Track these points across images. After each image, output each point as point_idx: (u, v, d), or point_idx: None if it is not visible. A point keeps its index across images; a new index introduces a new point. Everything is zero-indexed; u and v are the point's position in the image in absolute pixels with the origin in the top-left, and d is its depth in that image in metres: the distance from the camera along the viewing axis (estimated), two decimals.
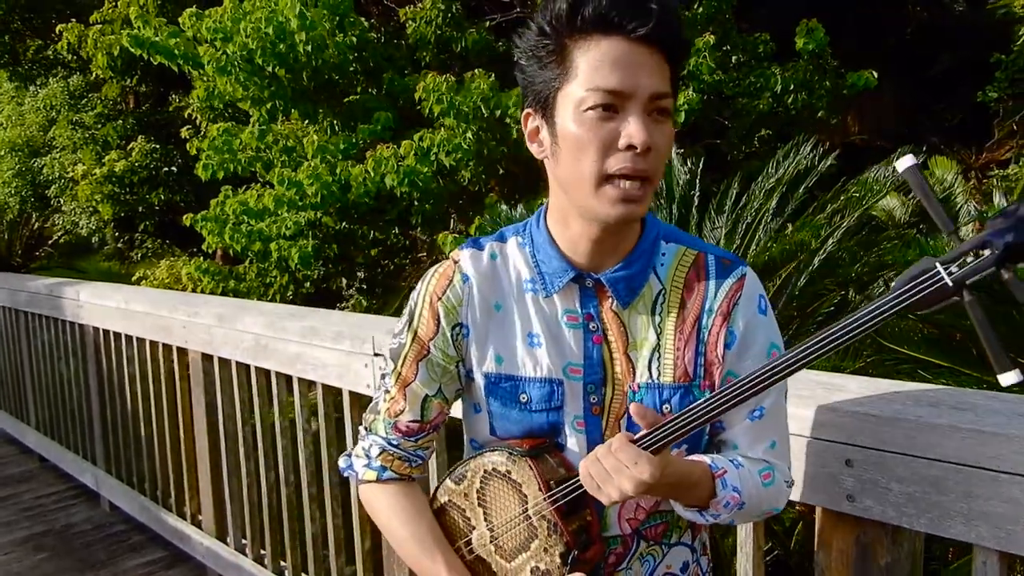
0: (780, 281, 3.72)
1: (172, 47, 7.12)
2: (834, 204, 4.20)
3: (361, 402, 2.46)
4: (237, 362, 3.00)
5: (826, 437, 1.36)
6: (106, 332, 3.99)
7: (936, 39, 10.91)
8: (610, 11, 0.98)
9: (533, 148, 1.11)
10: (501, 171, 6.91)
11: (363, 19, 7.54)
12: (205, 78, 7.53)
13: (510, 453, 1.11)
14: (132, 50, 7.23)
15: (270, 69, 6.84)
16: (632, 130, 0.99)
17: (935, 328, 3.17)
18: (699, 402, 0.99)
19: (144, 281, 10.75)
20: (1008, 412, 1.25)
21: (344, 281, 8.42)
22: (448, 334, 1.16)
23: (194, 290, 8.11)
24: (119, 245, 15.75)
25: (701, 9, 7.50)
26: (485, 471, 1.14)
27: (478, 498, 1.16)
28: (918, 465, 1.26)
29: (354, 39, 7.02)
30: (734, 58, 7.82)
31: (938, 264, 0.87)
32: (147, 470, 3.82)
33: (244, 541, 3.15)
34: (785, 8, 9.21)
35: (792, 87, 7.21)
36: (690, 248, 1.16)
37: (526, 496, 1.10)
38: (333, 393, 2.58)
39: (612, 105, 0.99)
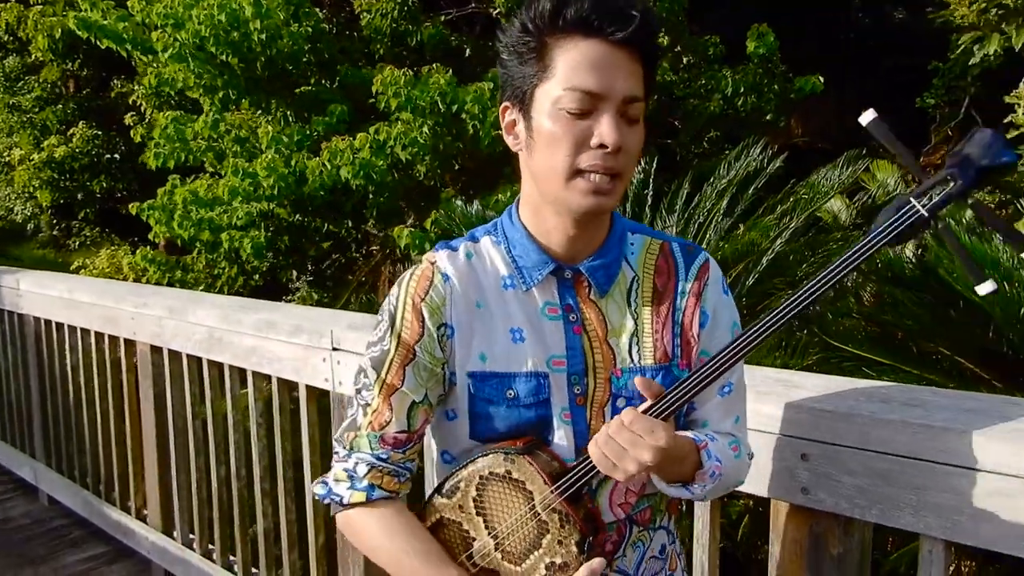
0: (731, 280, 3.81)
1: (121, 31, 6.93)
2: (784, 205, 4.31)
3: (318, 396, 2.45)
4: (188, 355, 2.95)
5: (783, 432, 1.41)
6: (48, 322, 3.88)
7: (878, 46, 11.23)
8: (591, 14, 1.01)
9: (509, 140, 1.14)
10: (457, 166, 6.91)
11: (317, 9, 7.45)
12: (156, 65, 7.35)
13: (505, 454, 1.11)
14: (79, 33, 7.01)
15: (223, 57, 6.71)
16: (604, 130, 1.02)
17: (878, 327, 3.29)
18: (700, 367, 1.04)
19: (83, 270, 10.45)
20: (955, 408, 1.31)
21: (295, 274, 8.31)
22: (434, 335, 1.15)
23: (136, 280, 7.93)
24: (55, 233, 15.27)
25: (655, 9, 7.60)
26: (481, 477, 1.12)
27: (475, 507, 1.13)
28: (870, 459, 1.31)
29: (309, 29, 6.94)
30: (685, 60, 7.93)
31: (912, 199, 0.98)
32: (90, 464, 3.72)
33: (192, 536, 3.10)
34: (733, 13, 9.39)
35: (742, 90, 7.36)
36: (655, 238, 1.22)
37: (531, 493, 1.10)
38: (289, 387, 2.56)
39: (587, 105, 1.03)
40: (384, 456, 1.17)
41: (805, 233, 4.41)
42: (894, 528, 1.34)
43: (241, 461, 2.83)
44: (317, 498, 1.21)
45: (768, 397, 1.43)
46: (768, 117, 7.75)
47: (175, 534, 3.18)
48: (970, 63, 6.24)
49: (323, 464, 2.51)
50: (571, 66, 1.02)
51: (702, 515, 1.61)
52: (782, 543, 1.46)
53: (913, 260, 3.41)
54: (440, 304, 1.15)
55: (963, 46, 5.16)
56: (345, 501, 1.17)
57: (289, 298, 8.63)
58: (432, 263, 1.18)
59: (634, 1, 1.03)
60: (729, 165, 4.58)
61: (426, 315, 1.14)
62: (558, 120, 1.04)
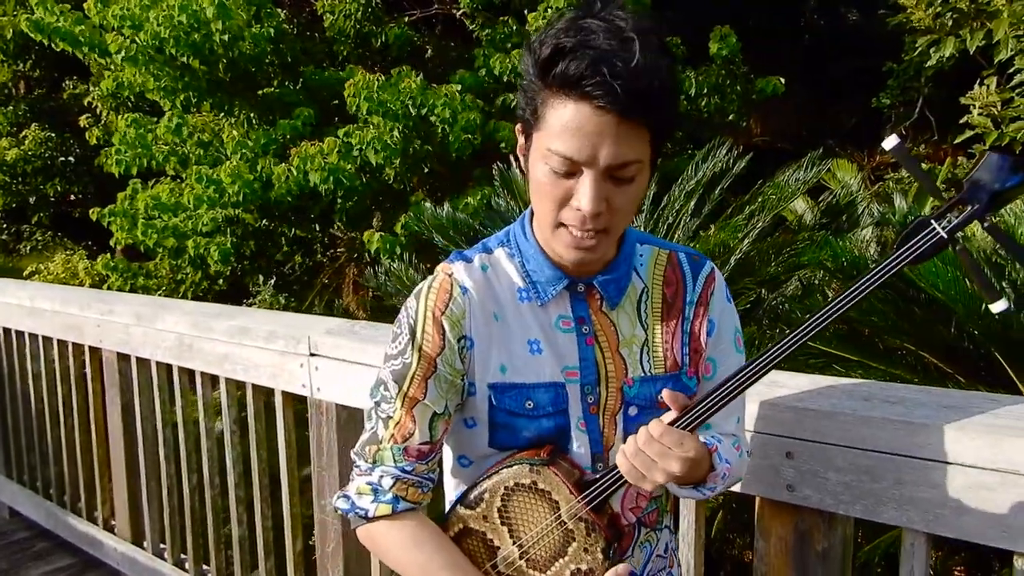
0: None
1: (77, 34, 6.77)
2: (751, 206, 4.37)
3: (295, 402, 2.43)
4: (158, 362, 2.90)
5: (768, 431, 1.44)
6: (7, 330, 3.79)
7: (833, 47, 11.43)
8: (580, 79, 0.96)
9: (522, 160, 1.14)
10: (426, 169, 6.88)
11: (279, 10, 7.37)
12: (113, 67, 7.20)
13: (531, 465, 1.13)
14: (32, 35, 6.84)
15: (183, 59, 6.59)
16: (582, 196, 1.01)
17: (845, 324, 3.35)
18: (725, 381, 1.07)
19: (37, 276, 10.21)
20: (934, 404, 1.35)
21: (261, 278, 8.21)
22: (455, 347, 1.15)
23: (95, 285, 7.77)
24: (4, 237, 14.89)
25: None
26: (506, 488, 1.14)
27: (500, 517, 1.15)
28: (854, 455, 1.35)
29: (271, 31, 6.86)
30: None
31: (933, 221, 1.03)
32: (54, 474, 3.64)
33: (163, 546, 3.06)
34: (692, 14, 9.48)
35: (705, 90, 7.45)
36: (662, 249, 1.23)
37: (557, 503, 1.12)
38: (264, 394, 2.53)
39: (571, 168, 1.01)
40: (409, 468, 1.17)
41: (772, 233, 4.49)
42: (877, 523, 1.37)
43: (214, 469, 2.80)
44: (339, 512, 1.20)
45: (752, 397, 1.46)
46: (731, 118, 7.86)
47: (145, 544, 3.13)
48: (926, 65, 6.40)
49: (300, 469, 2.49)
50: (557, 129, 1.00)
51: (688, 515, 1.63)
52: (767, 540, 1.49)
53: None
54: (460, 317, 1.15)
55: (919, 48, 5.29)
56: (371, 515, 1.17)
57: (251, 302, 8.53)
58: (449, 275, 1.17)
59: (635, 66, 0.95)
60: (697, 166, 4.63)
61: (447, 328, 1.14)
62: (544, 174, 1.03)
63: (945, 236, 1.01)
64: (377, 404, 1.19)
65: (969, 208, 1.01)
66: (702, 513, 1.64)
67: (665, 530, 1.28)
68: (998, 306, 1.04)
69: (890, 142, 1.04)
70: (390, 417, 1.17)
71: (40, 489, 3.74)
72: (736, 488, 1.48)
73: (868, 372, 3.07)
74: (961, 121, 5.03)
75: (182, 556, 2.99)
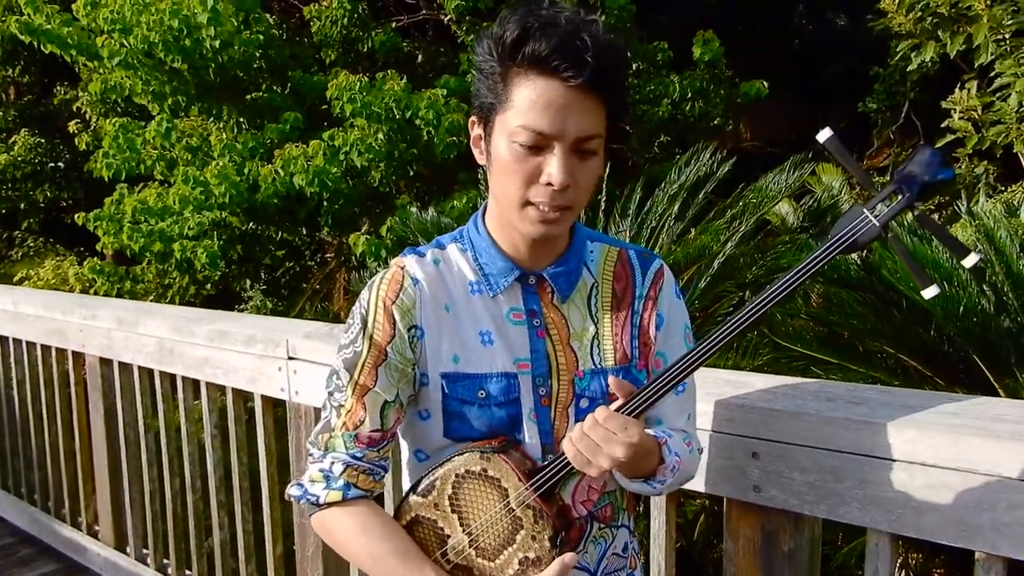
0: (683, 283, 3.88)
1: (66, 36, 6.77)
2: (733, 209, 4.40)
3: (274, 406, 2.43)
4: (140, 367, 2.91)
5: (734, 432, 1.45)
6: None
7: (820, 52, 11.50)
8: (550, 56, 1.02)
9: (476, 153, 1.18)
10: (412, 173, 6.90)
11: (267, 15, 7.38)
12: (101, 71, 7.20)
13: (481, 452, 1.14)
14: (22, 37, 6.82)
15: (172, 64, 6.60)
16: (553, 170, 1.06)
17: (825, 327, 3.37)
18: (667, 368, 1.09)
19: (27, 282, 10.17)
20: (897, 404, 1.37)
21: (248, 282, 8.21)
22: (405, 336, 1.17)
23: (84, 291, 7.75)
24: None
25: (603, 18, 7.66)
26: (457, 475, 1.15)
27: (451, 505, 1.16)
28: (819, 456, 1.36)
29: (260, 36, 6.87)
30: (634, 66, 8.03)
31: (865, 210, 1.06)
32: (38, 480, 3.64)
33: (146, 551, 3.06)
34: (683, 19, 9.53)
35: (689, 95, 7.49)
36: (612, 246, 1.27)
37: (506, 490, 1.13)
38: (244, 397, 2.54)
39: (538, 144, 1.06)
40: (359, 455, 1.18)
41: (755, 236, 4.51)
42: (841, 523, 1.38)
43: (196, 473, 2.80)
44: (292, 499, 1.22)
45: (719, 398, 1.47)
46: (716, 122, 7.90)
47: (128, 550, 3.12)
48: (908, 69, 6.44)
49: (280, 474, 2.50)
50: (526, 104, 1.05)
51: (658, 515, 1.64)
52: (735, 541, 1.50)
53: (858, 262, 3.51)
54: (410, 306, 1.18)
55: (901, 52, 5.33)
56: (321, 501, 1.18)
57: (242, 307, 8.52)
58: (401, 267, 1.21)
59: (597, 42, 1.03)
60: (680, 170, 4.65)
61: (397, 317, 1.17)
62: (511, 153, 1.07)
63: (877, 224, 1.04)
64: (330, 394, 1.21)
65: (900, 198, 1.04)
66: (672, 515, 1.65)
67: (623, 529, 1.29)
68: (929, 292, 1.07)
69: (823, 135, 1.08)
70: (342, 405, 1.19)
71: (24, 495, 3.74)
72: (705, 488, 1.50)
73: (848, 375, 3.08)
74: (942, 125, 5.07)
75: (164, 561, 2.99)
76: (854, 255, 4.04)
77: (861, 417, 1.33)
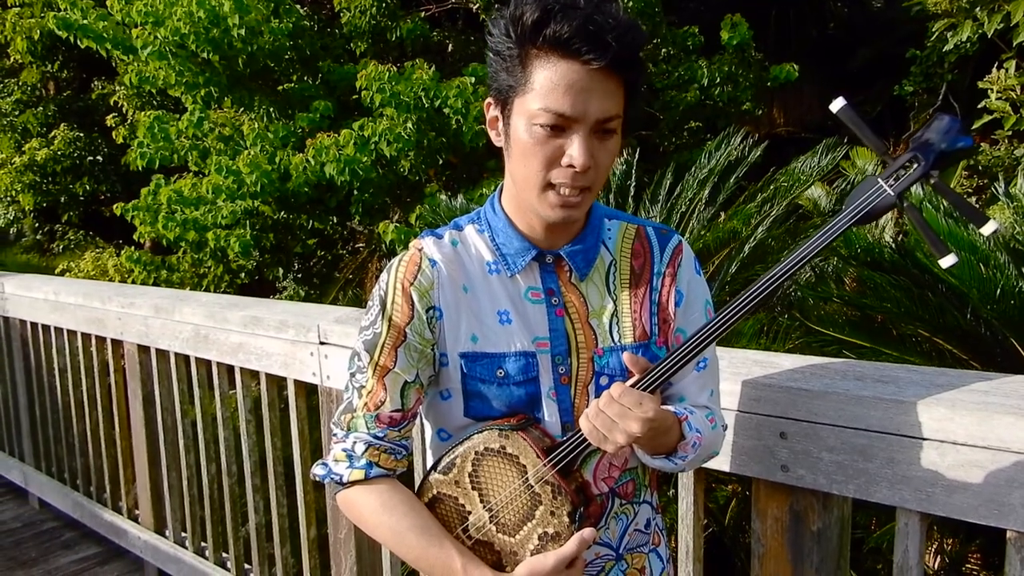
0: (713, 268, 3.85)
1: (101, 30, 6.89)
2: (764, 194, 4.35)
3: (307, 391, 2.47)
4: (176, 353, 2.97)
5: (762, 412, 1.44)
6: (34, 325, 3.88)
7: (855, 34, 11.30)
8: (571, 39, 1.02)
9: (492, 135, 1.19)
10: (441, 161, 6.92)
11: (298, 6, 7.44)
12: (136, 63, 7.32)
13: (500, 430, 1.16)
14: (59, 33, 6.95)
15: (204, 55, 6.68)
16: (575, 151, 1.06)
17: (858, 311, 3.33)
18: (683, 343, 1.10)
19: (68, 273, 10.38)
20: (926, 383, 1.35)
21: (281, 271, 8.30)
22: (424, 317, 1.19)
23: (123, 281, 7.90)
24: (38, 237, 15.16)
25: (632, 3, 7.63)
26: (476, 453, 1.17)
27: (471, 482, 1.17)
28: (847, 435, 1.35)
29: (290, 26, 6.93)
30: (664, 51, 7.97)
31: (880, 180, 1.05)
32: (80, 465, 3.73)
33: (184, 534, 3.12)
34: (714, 4, 9.42)
35: (718, 79, 7.41)
36: (630, 223, 1.27)
37: (524, 466, 1.14)
38: (277, 382, 2.58)
39: (560, 125, 1.06)
40: (381, 435, 1.21)
41: (786, 220, 4.46)
42: (872, 504, 1.37)
43: (231, 458, 2.85)
44: (317, 479, 1.24)
45: (746, 377, 1.46)
46: (745, 106, 7.81)
47: (167, 533, 3.19)
48: (945, 50, 6.31)
49: (313, 458, 2.53)
50: (548, 87, 1.05)
51: (686, 496, 1.64)
52: (763, 521, 1.50)
53: (892, 245, 3.46)
54: (428, 287, 1.19)
55: (937, 32, 5.22)
56: (344, 480, 1.21)
57: (277, 296, 8.62)
58: (419, 249, 1.22)
59: (618, 23, 1.03)
60: (710, 155, 4.62)
61: (415, 298, 1.19)
62: (532, 135, 1.07)
63: (892, 194, 1.03)
64: (352, 375, 1.23)
65: (916, 167, 1.02)
66: (701, 496, 1.65)
67: (645, 505, 1.29)
68: (947, 261, 1.06)
69: (836, 104, 1.08)
70: (363, 386, 1.21)
71: (67, 480, 3.83)
72: (732, 469, 1.50)
73: (881, 359, 3.04)
74: (979, 106, 4.96)
75: (203, 544, 3.05)
76: (888, 237, 3.99)
77: (890, 396, 1.32)
